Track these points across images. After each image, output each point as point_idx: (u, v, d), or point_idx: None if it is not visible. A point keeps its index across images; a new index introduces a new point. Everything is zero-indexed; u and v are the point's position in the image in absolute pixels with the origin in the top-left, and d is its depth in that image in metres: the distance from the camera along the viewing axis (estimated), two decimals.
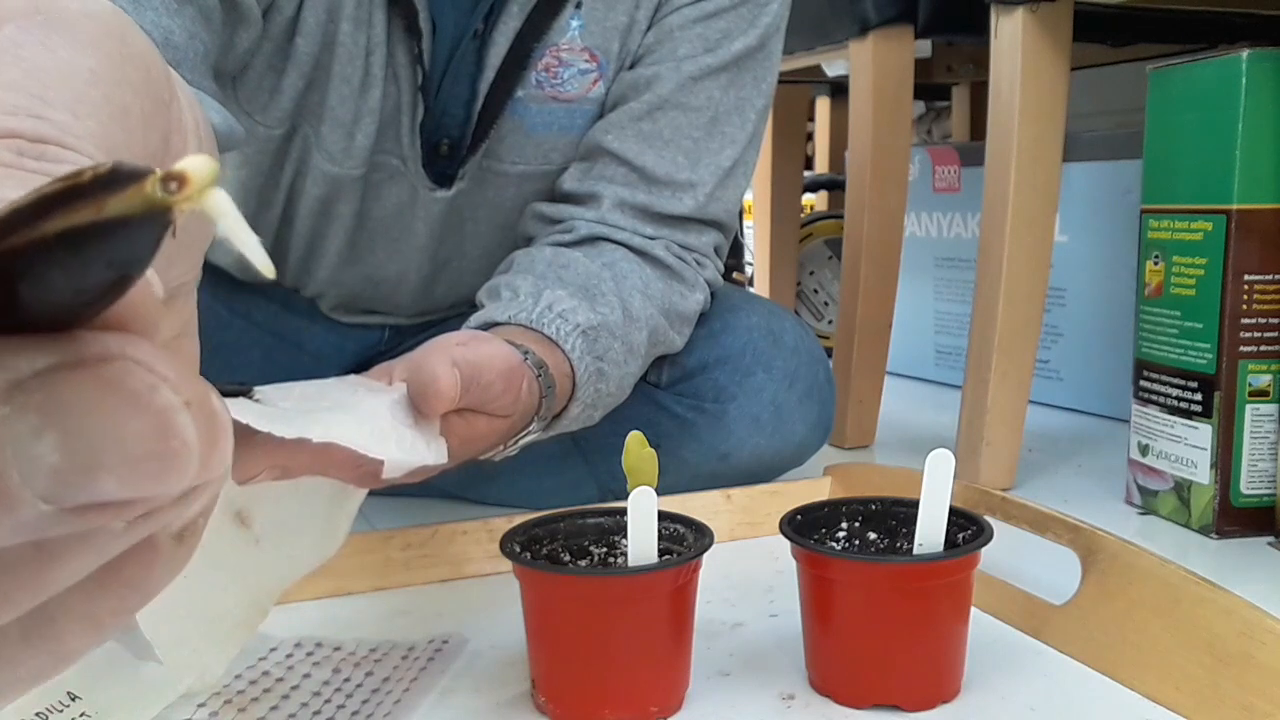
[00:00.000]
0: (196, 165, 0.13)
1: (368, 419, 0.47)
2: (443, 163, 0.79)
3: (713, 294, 0.86)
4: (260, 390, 0.46)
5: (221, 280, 0.91)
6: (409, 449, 0.48)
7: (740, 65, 0.81)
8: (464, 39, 0.75)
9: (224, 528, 0.49)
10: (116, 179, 0.13)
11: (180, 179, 0.13)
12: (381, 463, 0.46)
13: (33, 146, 0.19)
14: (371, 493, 1.02)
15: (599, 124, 0.80)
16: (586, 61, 0.78)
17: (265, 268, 0.15)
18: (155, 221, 0.14)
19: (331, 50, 0.72)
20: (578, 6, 0.77)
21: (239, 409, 0.41)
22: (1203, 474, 0.83)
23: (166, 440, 0.14)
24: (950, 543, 0.53)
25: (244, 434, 0.42)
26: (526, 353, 0.62)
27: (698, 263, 0.83)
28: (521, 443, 0.64)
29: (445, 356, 0.52)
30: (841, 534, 0.57)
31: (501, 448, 0.63)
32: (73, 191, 0.13)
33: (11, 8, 0.21)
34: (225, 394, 0.42)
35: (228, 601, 0.49)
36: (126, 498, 0.14)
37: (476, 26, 0.75)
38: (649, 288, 0.77)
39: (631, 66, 0.81)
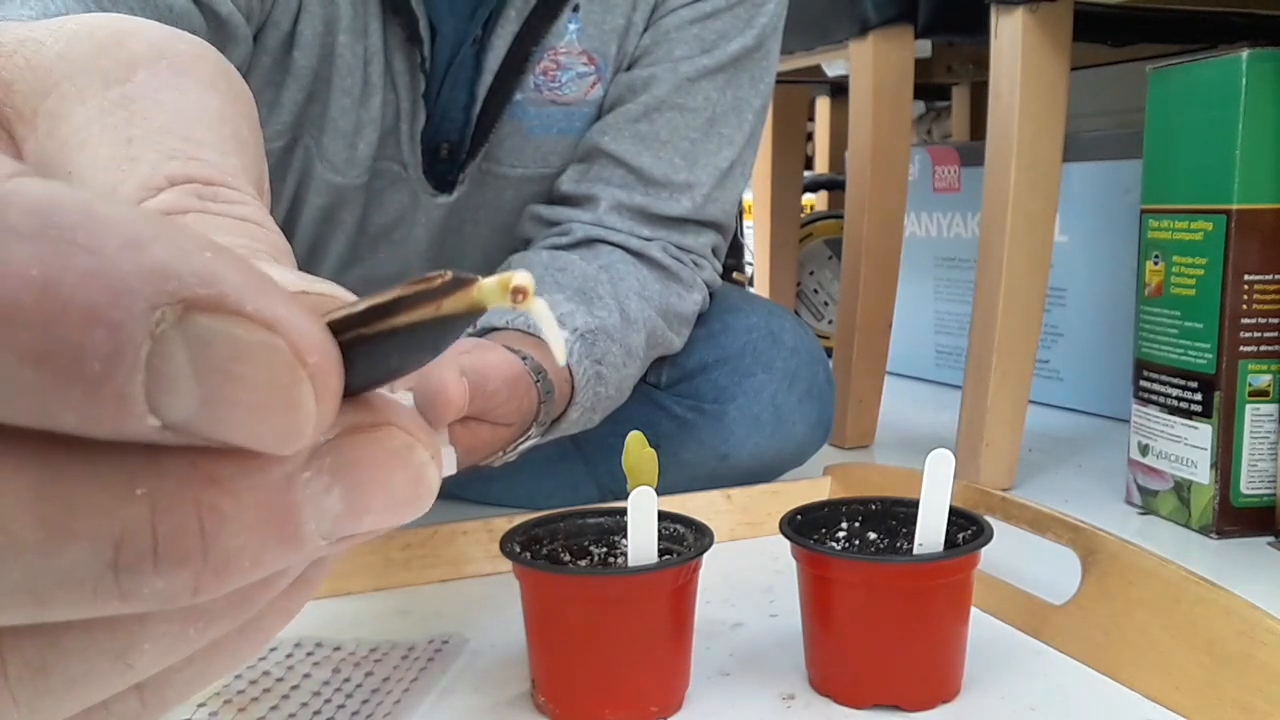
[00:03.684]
0: (527, 279, 0.16)
1: None
2: (443, 166, 0.79)
3: (711, 295, 0.86)
4: None
5: None
6: None
7: (737, 66, 0.81)
8: (463, 45, 0.75)
9: None
10: (456, 284, 0.16)
11: (523, 291, 0.16)
12: None
13: (208, 189, 0.20)
14: None
15: (596, 125, 0.80)
16: (585, 64, 0.78)
17: (561, 355, 0.17)
18: (473, 316, 0.16)
19: (330, 62, 0.72)
20: (575, 10, 0.76)
21: None
22: (1203, 474, 0.83)
23: (419, 487, 0.16)
24: (950, 543, 0.53)
25: None
26: (525, 358, 0.62)
27: (695, 264, 0.83)
28: (521, 448, 0.64)
29: (453, 364, 0.52)
30: (841, 534, 0.57)
31: (501, 453, 0.63)
32: (423, 295, 0.16)
33: (136, 53, 0.22)
34: None
35: None
36: (376, 529, 0.16)
37: (475, 33, 0.75)
38: (646, 289, 0.77)
39: (628, 68, 0.80)
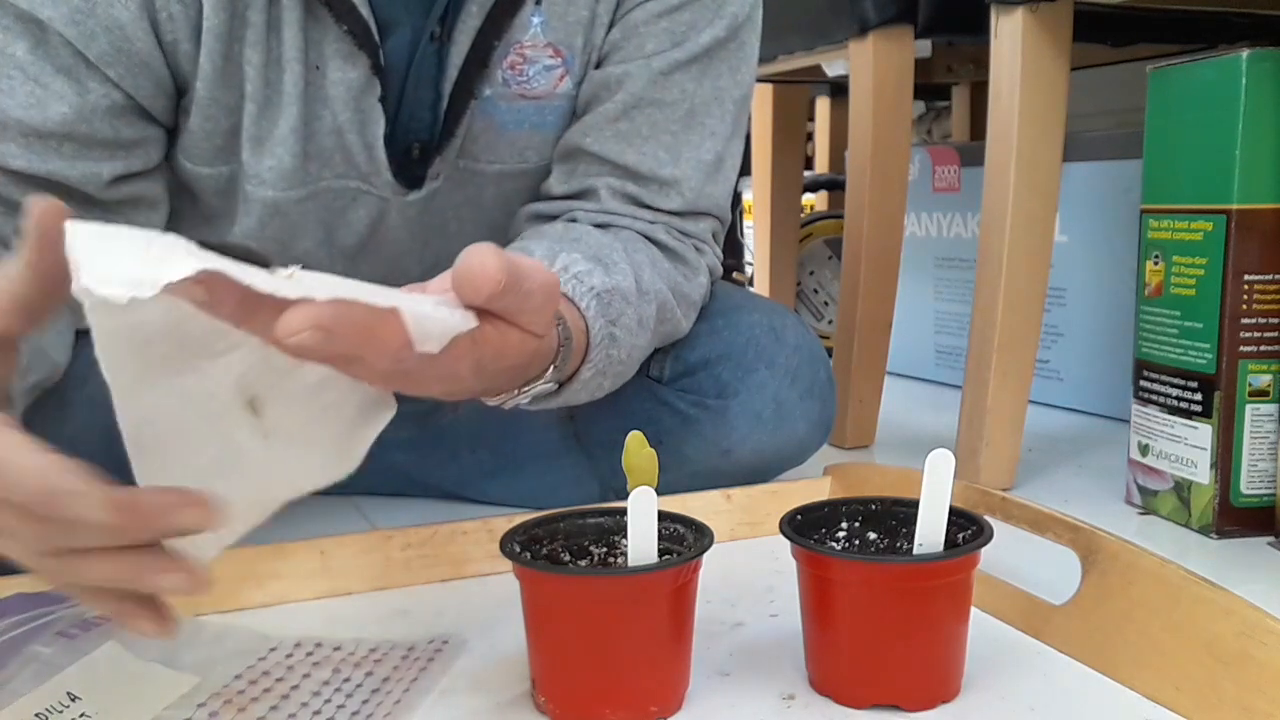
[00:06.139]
0: None
1: (380, 291, 0.46)
2: (416, 166, 0.79)
3: (712, 282, 0.86)
4: (291, 269, 0.44)
5: None
6: (430, 311, 0.46)
7: (711, 56, 0.80)
8: (420, 42, 0.74)
9: (233, 410, 0.47)
10: None
11: None
12: (409, 341, 0.44)
13: None
14: (372, 492, 1.02)
15: (576, 127, 0.80)
16: (551, 57, 0.77)
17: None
18: None
19: (239, 74, 0.71)
20: (538, 3, 0.76)
21: (248, 272, 0.39)
22: (1203, 474, 0.83)
23: None
24: (950, 543, 0.53)
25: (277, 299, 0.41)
26: None
27: (697, 248, 0.83)
28: (533, 392, 0.63)
29: (489, 246, 0.51)
30: (841, 534, 0.57)
31: (515, 392, 0.62)
32: None
33: None
34: (247, 260, 0.41)
35: (228, 487, 0.47)
36: None
37: (433, 29, 0.74)
38: (657, 266, 0.77)
39: (599, 65, 0.80)
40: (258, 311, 0.41)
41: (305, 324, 0.40)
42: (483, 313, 0.49)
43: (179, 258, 0.38)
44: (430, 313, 0.45)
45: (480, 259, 0.48)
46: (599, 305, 0.67)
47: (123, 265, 0.37)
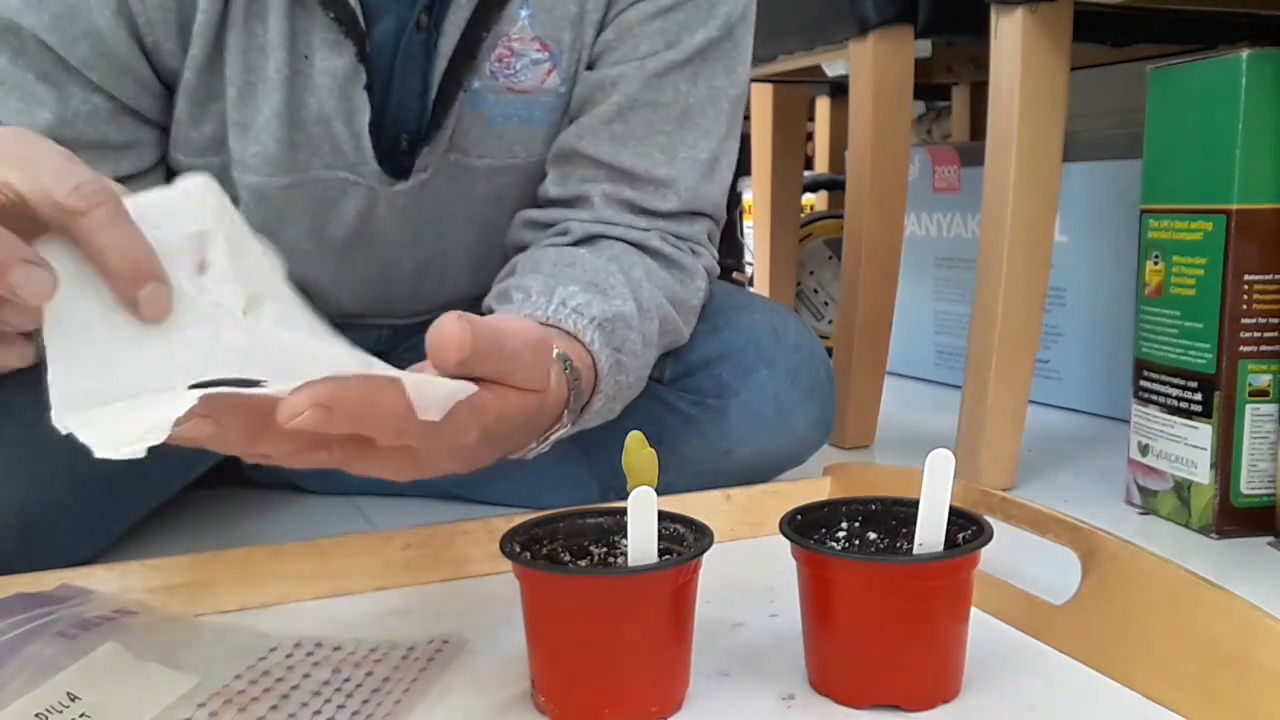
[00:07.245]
0: None
1: (378, 365, 0.46)
2: (404, 158, 0.79)
3: (710, 283, 0.86)
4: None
5: None
6: (429, 377, 0.46)
7: (704, 56, 0.80)
8: (405, 32, 0.74)
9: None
10: None
11: None
12: (410, 408, 0.44)
13: None
14: (372, 492, 1.02)
15: (570, 130, 0.80)
16: (538, 51, 0.78)
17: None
18: None
19: (221, 62, 0.72)
20: None
21: (247, 384, 0.40)
22: (1203, 474, 0.83)
23: None
24: (950, 543, 0.53)
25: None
26: None
27: (693, 251, 0.83)
28: (553, 438, 0.63)
29: (454, 316, 0.49)
30: (841, 534, 0.57)
31: (534, 444, 0.62)
32: None
33: None
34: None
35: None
36: None
37: (419, 17, 0.74)
38: (653, 277, 0.77)
39: (591, 66, 0.80)
40: (269, 423, 0.41)
41: (305, 404, 0.40)
42: (478, 380, 0.49)
43: (170, 400, 0.39)
44: (429, 378, 0.46)
45: (444, 327, 0.48)
46: (602, 335, 0.67)
47: (123, 421, 0.38)
